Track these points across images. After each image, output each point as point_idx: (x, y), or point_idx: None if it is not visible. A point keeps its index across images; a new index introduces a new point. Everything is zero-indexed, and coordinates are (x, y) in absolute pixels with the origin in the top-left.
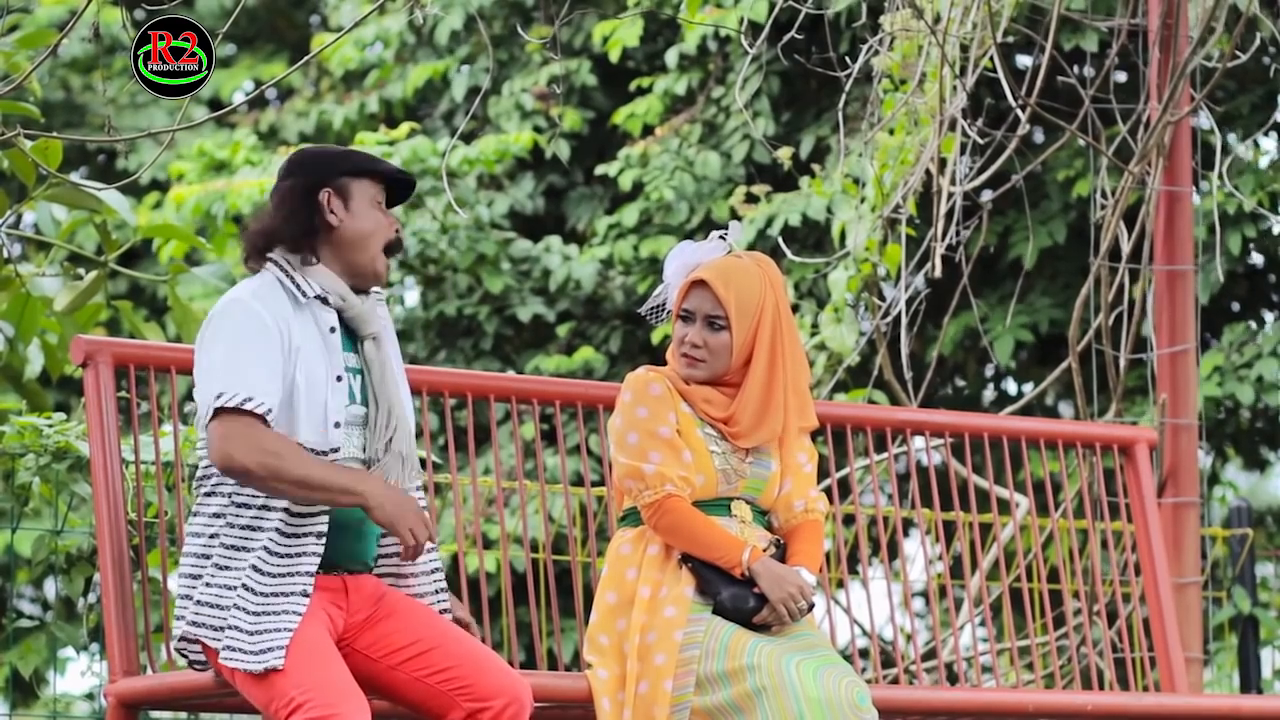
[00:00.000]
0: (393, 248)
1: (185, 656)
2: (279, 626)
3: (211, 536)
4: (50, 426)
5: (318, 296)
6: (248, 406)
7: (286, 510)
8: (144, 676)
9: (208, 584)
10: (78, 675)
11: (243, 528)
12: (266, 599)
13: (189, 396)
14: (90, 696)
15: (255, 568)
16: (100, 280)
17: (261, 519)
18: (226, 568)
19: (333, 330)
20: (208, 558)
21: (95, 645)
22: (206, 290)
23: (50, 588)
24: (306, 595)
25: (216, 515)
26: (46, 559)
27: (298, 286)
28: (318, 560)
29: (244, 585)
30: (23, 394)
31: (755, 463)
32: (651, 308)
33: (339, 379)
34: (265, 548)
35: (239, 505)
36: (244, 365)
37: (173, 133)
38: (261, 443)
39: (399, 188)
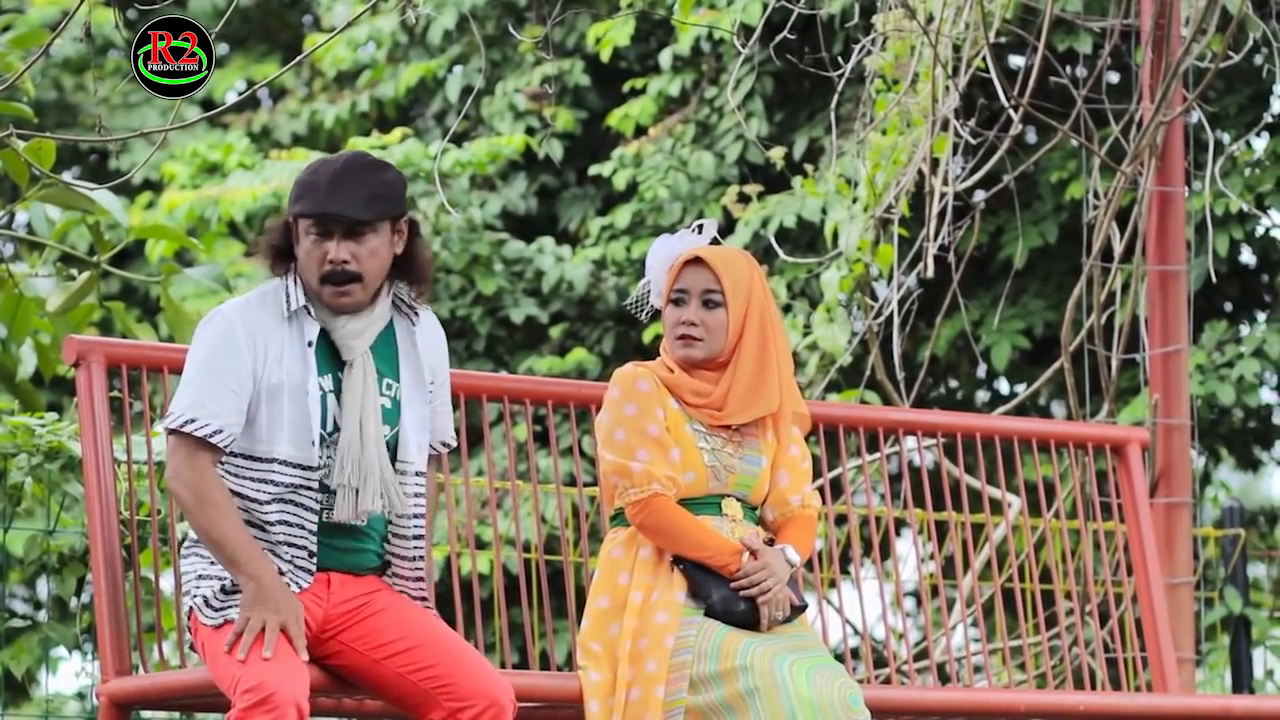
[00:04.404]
0: (327, 279)
1: (191, 637)
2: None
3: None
4: (43, 426)
5: (303, 307)
6: (188, 430)
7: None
8: (136, 676)
9: (211, 560)
10: (70, 675)
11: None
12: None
13: None
14: (82, 696)
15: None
16: (93, 280)
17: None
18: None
19: (310, 344)
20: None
21: (88, 645)
22: (199, 291)
23: (43, 588)
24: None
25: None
26: (39, 559)
27: (288, 296)
28: (310, 575)
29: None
30: (15, 394)
31: (745, 458)
32: (636, 299)
33: (307, 394)
34: (272, 552)
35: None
36: (202, 386)
37: (165, 132)
38: (194, 479)
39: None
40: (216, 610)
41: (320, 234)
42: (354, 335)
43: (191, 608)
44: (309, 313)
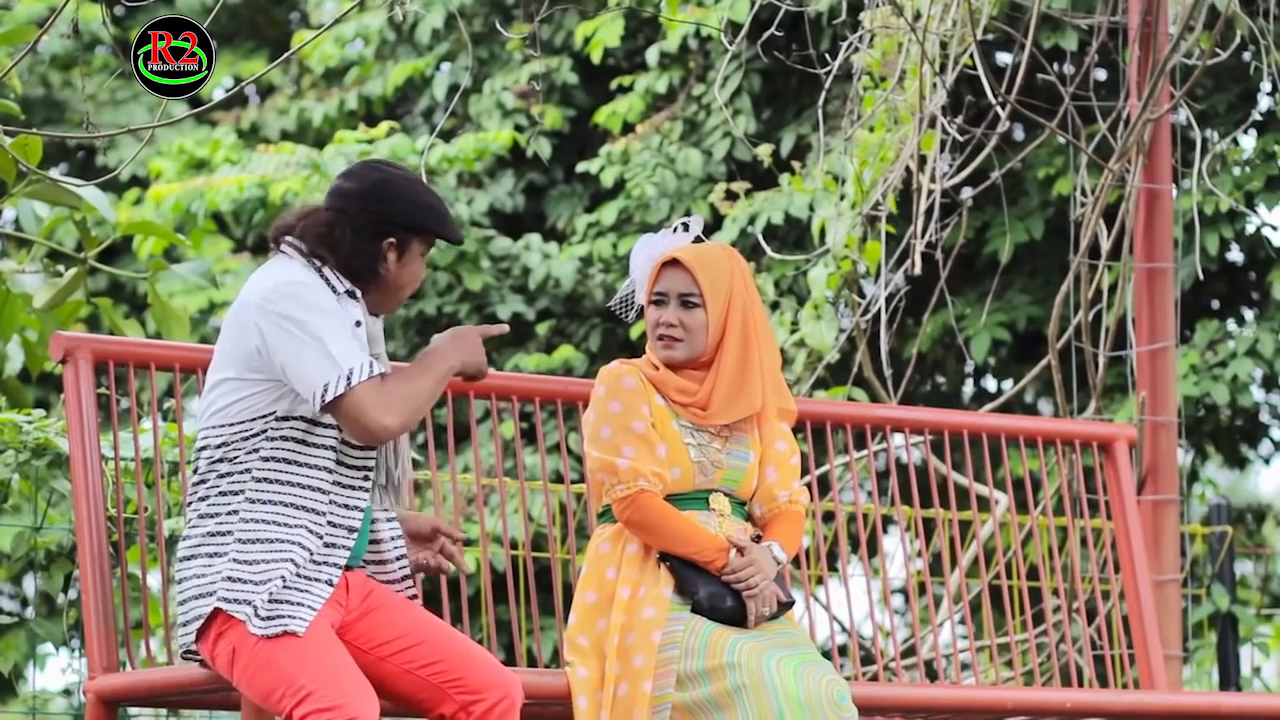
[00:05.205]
0: (413, 295)
1: (193, 655)
2: (304, 601)
3: (230, 513)
4: (30, 423)
5: (348, 291)
6: (375, 371)
7: (330, 505)
8: (123, 673)
9: (235, 560)
10: (57, 672)
11: (272, 509)
12: (303, 580)
13: (168, 393)
14: (69, 693)
15: (302, 544)
16: (80, 277)
17: (293, 516)
18: (263, 540)
19: (358, 324)
20: (229, 533)
21: (75, 641)
22: (187, 287)
23: (30, 584)
24: (331, 585)
25: (234, 494)
26: (26, 555)
27: (326, 281)
28: (347, 554)
29: (292, 560)
30: (2, 390)
31: (733, 453)
32: (621, 299)
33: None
34: (307, 527)
35: (258, 501)
36: (348, 340)
37: (152, 129)
38: (390, 399)
39: None
40: (267, 619)
41: (427, 253)
42: (380, 330)
43: (218, 609)
44: (354, 297)
